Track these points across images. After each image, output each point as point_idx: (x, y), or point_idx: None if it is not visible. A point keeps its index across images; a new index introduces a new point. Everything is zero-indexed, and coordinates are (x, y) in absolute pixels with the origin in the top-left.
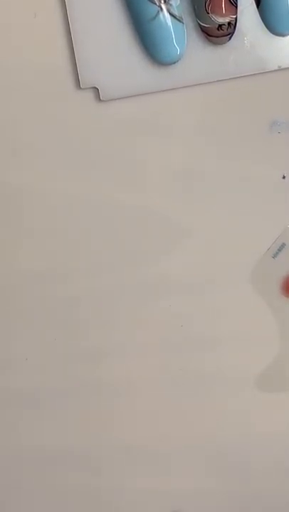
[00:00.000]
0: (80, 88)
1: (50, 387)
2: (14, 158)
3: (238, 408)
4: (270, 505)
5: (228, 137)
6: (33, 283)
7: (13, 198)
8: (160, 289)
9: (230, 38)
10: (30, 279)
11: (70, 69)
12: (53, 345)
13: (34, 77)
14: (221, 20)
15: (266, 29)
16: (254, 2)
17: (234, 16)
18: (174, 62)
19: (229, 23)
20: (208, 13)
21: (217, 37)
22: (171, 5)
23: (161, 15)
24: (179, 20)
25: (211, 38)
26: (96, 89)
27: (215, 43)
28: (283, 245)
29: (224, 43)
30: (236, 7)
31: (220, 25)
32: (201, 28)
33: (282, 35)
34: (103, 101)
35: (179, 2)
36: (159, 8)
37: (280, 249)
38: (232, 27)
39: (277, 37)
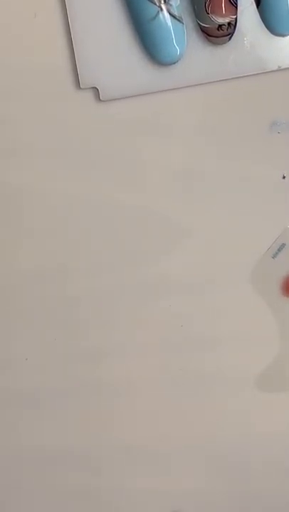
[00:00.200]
0: (80, 88)
1: (50, 387)
2: (14, 158)
3: (238, 408)
4: (270, 505)
5: (228, 137)
6: (33, 283)
7: (13, 198)
8: (160, 289)
9: (230, 38)
10: (30, 279)
11: (70, 69)
12: (53, 345)
13: (34, 77)
14: (220, 20)
15: (266, 29)
16: (254, 2)
17: (234, 16)
18: (174, 63)
19: (229, 24)
20: (208, 14)
21: (217, 37)
22: (171, 5)
23: (161, 15)
24: (179, 20)
25: (211, 38)
26: (96, 89)
27: (215, 43)
28: (283, 245)
29: (224, 43)
30: (236, 7)
31: (220, 26)
32: (201, 28)
33: (282, 35)
34: (103, 101)
35: (179, 2)
36: (159, 9)
37: (280, 250)
38: (232, 27)
39: (277, 37)
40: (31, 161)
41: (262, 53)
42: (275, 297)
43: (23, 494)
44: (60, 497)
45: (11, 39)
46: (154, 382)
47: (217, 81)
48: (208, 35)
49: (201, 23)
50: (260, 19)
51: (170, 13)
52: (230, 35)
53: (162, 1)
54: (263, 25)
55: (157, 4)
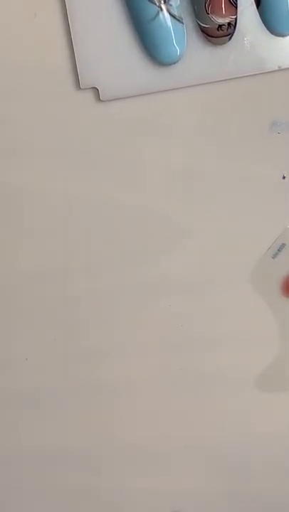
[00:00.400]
0: (80, 88)
1: (50, 387)
2: (14, 158)
3: (238, 408)
4: (270, 505)
5: (228, 137)
6: (33, 283)
7: (13, 198)
8: (160, 289)
9: (230, 39)
10: (30, 279)
11: (70, 69)
12: (53, 345)
13: (34, 77)
14: (220, 20)
15: (266, 29)
16: (254, 2)
17: (234, 17)
18: (174, 63)
19: (229, 24)
20: (208, 14)
21: (217, 37)
22: (171, 5)
23: (161, 15)
24: (179, 20)
25: (210, 38)
26: (96, 89)
27: (215, 44)
28: (283, 245)
29: (224, 43)
30: (236, 7)
31: (220, 26)
32: (201, 29)
33: (282, 35)
34: (103, 101)
35: (178, 2)
36: (159, 9)
37: (280, 250)
38: (232, 27)
39: (277, 37)
40: (31, 161)
41: (262, 53)
42: (275, 297)
43: (23, 494)
44: (60, 497)
45: (11, 39)
46: (154, 382)
47: (217, 81)
48: (208, 35)
49: (201, 23)
50: (260, 19)
51: (170, 13)
52: (230, 35)
53: (162, 1)
54: (263, 25)
55: (157, 4)
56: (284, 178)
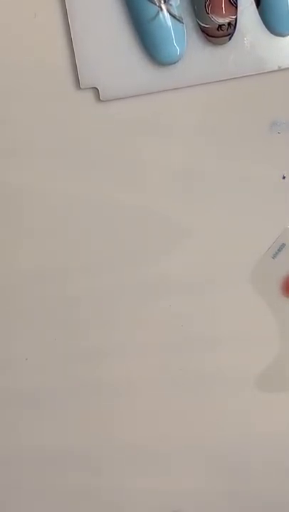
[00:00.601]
0: (80, 88)
1: (50, 387)
2: (14, 158)
3: (238, 408)
4: (270, 505)
5: (228, 137)
6: (33, 283)
7: (13, 198)
8: (160, 289)
9: (230, 38)
10: (30, 279)
11: (70, 69)
12: (53, 345)
13: (34, 77)
14: (220, 20)
15: (266, 29)
16: (254, 2)
17: (234, 17)
18: (174, 63)
19: (229, 24)
20: (208, 14)
21: (217, 37)
22: (171, 5)
23: (161, 15)
24: (179, 20)
25: (211, 38)
26: (96, 89)
27: (215, 43)
28: (283, 245)
29: (224, 43)
30: (236, 7)
31: (220, 26)
32: (201, 29)
33: (282, 35)
34: (103, 101)
35: (178, 2)
36: (159, 9)
37: (280, 250)
38: (232, 27)
39: (277, 37)
40: (31, 161)
41: (262, 53)
42: (275, 297)
43: (23, 494)
44: (60, 497)
45: (11, 39)
46: (154, 382)
47: (217, 81)
48: (208, 35)
49: (201, 23)
50: (260, 19)
51: (170, 13)
52: (230, 35)
53: (162, 1)
54: (263, 25)
55: (157, 4)
56: (284, 178)
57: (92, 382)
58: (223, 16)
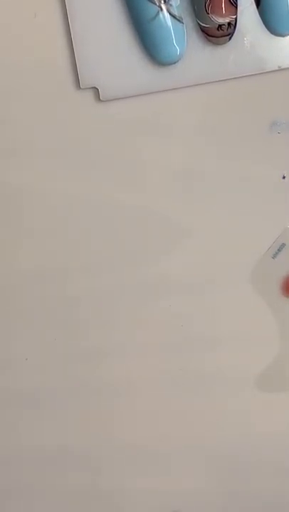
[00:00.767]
0: (80, 88)
1: (50, 387)
2: (14, 158)
3: (238, 408)
4: (270, 505)
5: (228, 137)
6: (33, 283)
7: (13, 198)
8: (160, 289)
9: (230, 38)
10: (30, 279)
11: (70, 69)
12: (53, 345)
13: (34, 77)
14: (220, 20)
15: (266, 29)
16: (254, 2)
17: (234, 16)
18: (174, 63)
19: (229, 24)
20: (208, 14)
21: (217, 37)
22: (171, 5)
23: (161, 15)
24: (179, 20)
25: (211, 38)
26: (96, 89)
27: (215, 43)
28: (283, 245)
29: (224, 43)
30: (236, 7)
31: (220, 26)
32: (201, 29)
33: (282, 35)
34: (103, 101)
35: (179, 2)
36: (159, 9)
37: (280, 250)
38: (232, 27)
39: (277, 37)
40: (31, 161)
41: (262, 53)
42: (275, 297)
43: (23, 494)
44: (60, 497)
45: (11, 39)
46: (154, 382)
47: (217, 81)
48: (208, 35)
49: (201, 23)
50: (260, 19)
51: (170, 13)
52: (230, 35)
53: (162, 1)
54: (263, 25)
55: (157, 4)
56: (284, 178)
57: (92, 382)
58: (223, 16)
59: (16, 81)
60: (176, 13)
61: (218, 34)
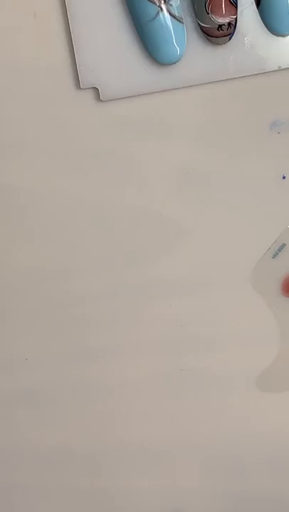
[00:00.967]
0: (80, 88)
1: (50, 387)
2: (14, 159)
3: (238, 408)
4: (270, 505)
5: (227, 137)
6: (33, 283)
7: (12, 197)
8: (160, 289)
9: (230, 38)
10: (30, 279)
11: (70, 69)
12: (53, 345)
13: (34, 77)
14: (221, 20)
15: (266, 29)
16: (254, 2)
17: (234, 16)
18: (174, 63)
19: (229, 24)
20: (208, 14)
21: (217, 37)
22: (171, 5)
23: (161, 15)
24: (179, 20)
25: (211, 38)
26: (96, 89)
27: (215, 43)
28: (283, 245)
29: (224, 43)
30: (236, 7)
31: (220, 26)
32: (201, 29)
33: (282, 35)
34: (103, 101)
35: (178, 2)
36: (159, 9)
37: (280, 250)
38: (232, 27)
39: (277, 37)
40: (31, 161)
41: (262, 53)
42: (275, 297)
43: (23, 494)
44: (60, 497)
45: (11, 39)
46: (154, 382)
47: (217, 81)
48: (209, 35)
49: (201, 23)
50: (260, 19)
51: (170, 13)
52: (231, 35)
53: (162, 1)
54: (263, 25)
55: (157, 4)
56: (284, 178)
57: (92, 382)
58: (223, 16)
59: (16, 81)
60: (176, 13)
61: (218, 34)
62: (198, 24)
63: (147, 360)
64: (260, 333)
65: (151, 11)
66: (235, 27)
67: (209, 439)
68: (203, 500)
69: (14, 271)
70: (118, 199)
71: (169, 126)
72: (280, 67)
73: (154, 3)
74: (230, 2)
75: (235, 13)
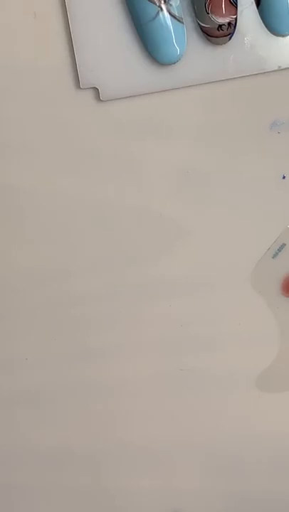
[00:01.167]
0: (80, 88)
1: (50, 387)
2: (14, 159)
3: (238, 408)
4: (270, 505)
5: (227, 137)
6: (33, 283)
7: (12, 197)
8: (160, 289)
9: (230, 38)
10: (30, 279)
11: (70, 69)
12: (53, 345)
13: (34, 77)
14: (221, 20)
15: (266, 29)
16: (254, 2)
17: (234, 16)
18: (174, 63)
19: (229, 24)
20: (208, 14)
21: (217, 37)
22: (171, 5)
23: (161, 15)
24: (179, 20)
25: (211, 38)
26: (96, 89)
27: (215, 43)
28: (283, 245)
29: (224, 43)
30: (236, 7)
31: (220, 26)
32: (201, 29)
33: (282, 35)
34: (103, 101)
35: (178, 2)
36: (159, 9)
37: (280, 250)
38: (232, 27)
39: (277, 37)
40: (31, 161)
41: (262, 53)
42: (275, 297)
43: (23, 494)
44: (60, 497)
45: (11, 39)
46: (154, 382)
47: (217, 81)
48: (209, 35)
49: (201, 23)
50: (260, 19)
51: (170, 13)
52: (231, 35)
53: (162, 1)
54: (263, 25)
55: (157, 4)
56: (284, 178)
57: (92, 382)
58: (223, 16)
59: (16, 81)
60: (176, 13)
61: (218, 34)
62: (198, 24)
63: (147, 360)
64: (260, 333)
65: (151, 11)
66: (235, 27)
67: (209, 439)
68: (203, 501)
69: (14, 271)
70: (118, 199)
71: (169, 126)
72: (280, 67)
73: (154, 3)
74: (230, 2)
75: (235, 13)
